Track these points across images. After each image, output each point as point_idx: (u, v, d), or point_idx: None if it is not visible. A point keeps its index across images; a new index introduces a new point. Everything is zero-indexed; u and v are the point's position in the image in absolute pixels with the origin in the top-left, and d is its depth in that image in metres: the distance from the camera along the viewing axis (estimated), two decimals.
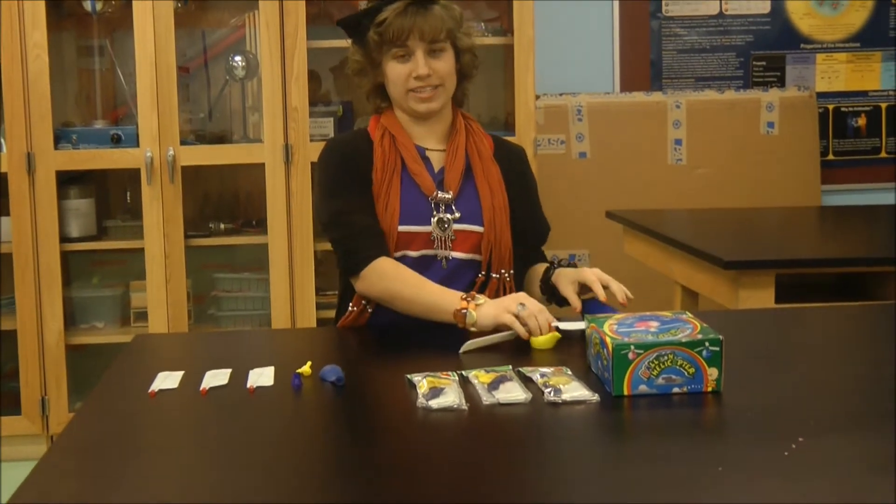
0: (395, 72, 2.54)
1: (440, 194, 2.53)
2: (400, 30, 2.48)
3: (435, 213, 2.53)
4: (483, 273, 2.56)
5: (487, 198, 2.56)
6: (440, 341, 2.26)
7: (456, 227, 2.53)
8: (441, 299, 2.36)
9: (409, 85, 2.52)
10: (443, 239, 2.52)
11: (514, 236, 2.59)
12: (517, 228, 2.60)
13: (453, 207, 2.54)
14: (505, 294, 2.52)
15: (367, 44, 2.56)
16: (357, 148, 2.59)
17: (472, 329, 2.30)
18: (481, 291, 2.50)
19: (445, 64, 2.54)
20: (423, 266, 2.52)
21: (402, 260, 2.51)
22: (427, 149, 2.60)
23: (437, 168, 2.59)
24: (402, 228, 2.51)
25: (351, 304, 2.55)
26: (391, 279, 2.44)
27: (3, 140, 4.13)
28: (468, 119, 2.67)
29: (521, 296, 2.30)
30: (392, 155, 2.55)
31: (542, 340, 2.24)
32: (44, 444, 4.20)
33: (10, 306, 4.22)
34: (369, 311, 2.54)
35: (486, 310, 2.29)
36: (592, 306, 2.41)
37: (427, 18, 2.49)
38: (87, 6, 4.21)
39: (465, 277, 2.56)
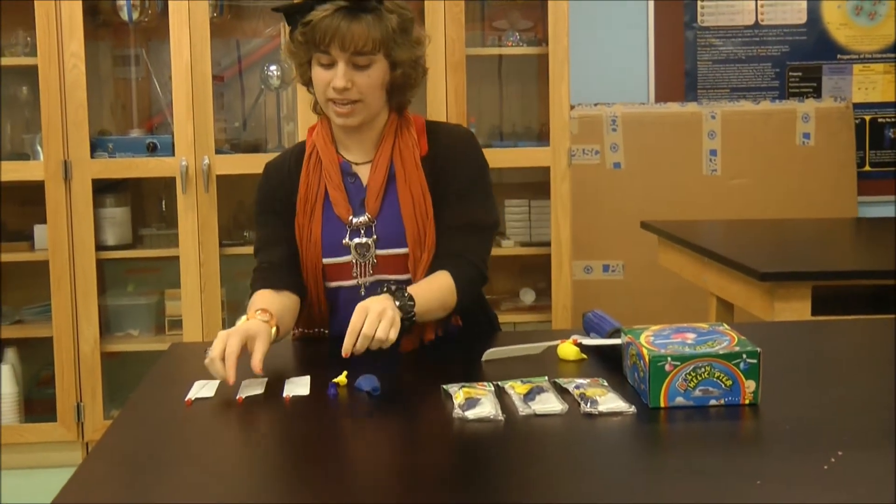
0: (318, 77, 2.37)
1: (355, 220, 2.43)
2: (323, 35, 2.29)
3: (351, 240, 2.44)
4: None
5: (409, 212, 2.42)
6: (475, 352, 2.26)
7: (379, 252, 2.43)
8: None
9: (328, 94, 2.35)
10: (363, 265, 2.44)
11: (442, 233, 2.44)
12: (443, 223, 2.45)
13: (373, 229, 2.43)
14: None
15: (295, 40, 2.38)
16: (286, 173, 2.51)
17: None
18: None
19: (369, 78, 2.34)
20: (356, 294, 2.45)
21: (336, 292, 2.48)
22: (355, 163, 2.48)
23: (365, 182, 2.46)
24: (326, 261, 2.45)
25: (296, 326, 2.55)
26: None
27: (40, 148, 4.16)
28: (404, 120, 2.48)
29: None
30: (315, 182, 2.46)
31: (568, 352, 2.23)
32: (78, 450, 4.23)
33: (46, 313, 4.25)
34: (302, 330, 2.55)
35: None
36: (593, 318, 2.38)
37: (352, 27, 2.28)
38: (124, 15, 4.25)
39: None
